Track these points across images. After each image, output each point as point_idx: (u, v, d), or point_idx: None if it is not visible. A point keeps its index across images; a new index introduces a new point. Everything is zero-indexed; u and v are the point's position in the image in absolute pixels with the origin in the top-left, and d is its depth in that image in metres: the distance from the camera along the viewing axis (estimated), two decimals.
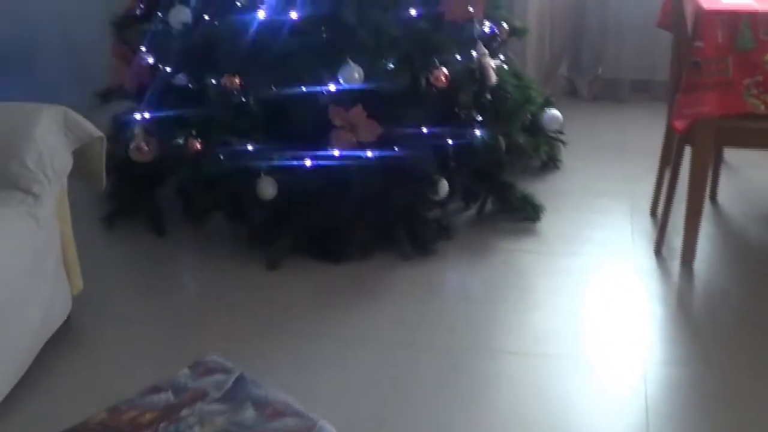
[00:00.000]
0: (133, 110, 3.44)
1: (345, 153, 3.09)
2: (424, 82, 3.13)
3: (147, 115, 3.34)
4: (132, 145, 3.31)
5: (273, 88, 3.09)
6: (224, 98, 3.14)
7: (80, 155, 2.79)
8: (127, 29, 3.44)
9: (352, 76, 3.04)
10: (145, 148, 3.30)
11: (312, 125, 3.09)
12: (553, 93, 4.64)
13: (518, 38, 3.92)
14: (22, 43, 3.97)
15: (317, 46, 3.08)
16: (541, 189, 3.65)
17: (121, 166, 3.46)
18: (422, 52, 3.16)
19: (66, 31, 4.13)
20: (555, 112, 3.81)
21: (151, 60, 3.33)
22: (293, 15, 3.06)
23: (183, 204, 3.44)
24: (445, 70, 3.14)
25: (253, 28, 3.09)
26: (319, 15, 3.07)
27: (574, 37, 4.74)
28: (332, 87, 3.05)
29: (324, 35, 3.09)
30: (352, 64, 3.03)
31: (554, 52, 4.75)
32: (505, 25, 3.65)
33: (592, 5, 4.61)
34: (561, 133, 3.93)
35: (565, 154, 3.97)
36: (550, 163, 3.88)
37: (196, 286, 3.15)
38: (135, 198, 3.52)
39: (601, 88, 4.78)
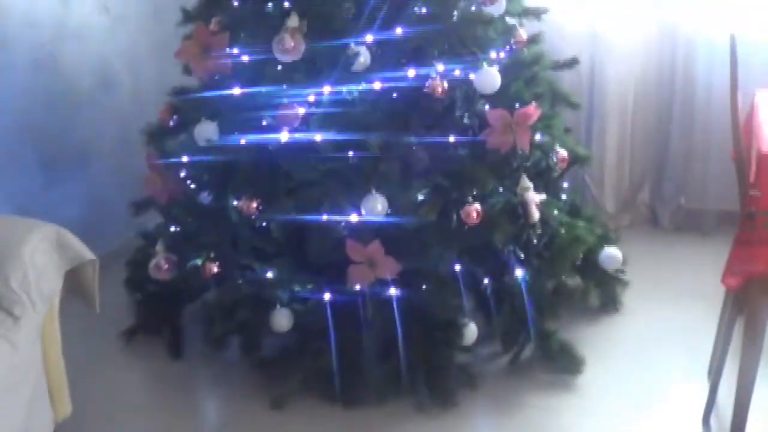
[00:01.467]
0: (159, 225, 3.32)
1: (364, 289, 2.86)
2: (454, 218, 2.88)
3: (169, 232, 3.21)
4: (152, 263, 3.17)
5: (291, 215, 2.89)
6: (243, 221, 2.96)
7: (75, 276, 2.65)
8: (159, 140, 3.31)
9: (374, 208, 2.82)
10: (164, 266, 3.16)
11: (330, 257, 2.87)
12: (632, 222, 4.37)
13: (581, 167, 3.62)
14: (78, 142, 3.92)
15: (340, 174, 2.88)
16: (591, 334, 3.32)
17: (146, 282, 3.32)
18: (455, 184, 2.92)
19: (122, 132, 4.07)
20: (613, 251, 3.46)
21: (178, 175, 3.20)
22: (317, 139, 2.87)
23: (202, 327, 3.27)
24: (477, 205, 2.88)
25: (274, 151, 2.92)
26: (344, 140, 2.86)
27: (657, 164, 4.42)
28: (353, 218, 2.84)
29: (348, 162, 2.88)
30: (375, 194, 2.82)
31: (634, 178, 4.44)
32: (563, 153, 3.34)
33: (676, 130, 4.29)
34: (621, 272, 3.59)
35: (630, 293, 3.61)
36: (609, 305, 3.54)
37: (192, 423, 2.92)
38: (156, 316, 3.36)
39: (684, 219, 4.41)
